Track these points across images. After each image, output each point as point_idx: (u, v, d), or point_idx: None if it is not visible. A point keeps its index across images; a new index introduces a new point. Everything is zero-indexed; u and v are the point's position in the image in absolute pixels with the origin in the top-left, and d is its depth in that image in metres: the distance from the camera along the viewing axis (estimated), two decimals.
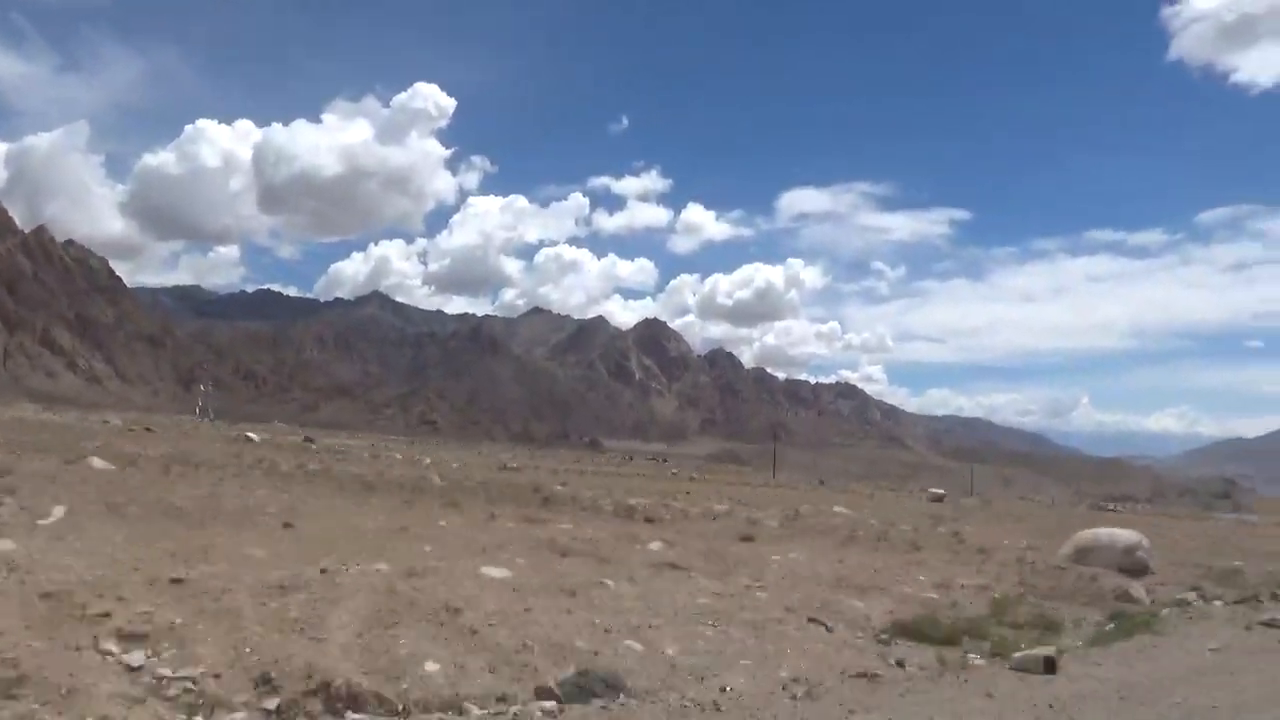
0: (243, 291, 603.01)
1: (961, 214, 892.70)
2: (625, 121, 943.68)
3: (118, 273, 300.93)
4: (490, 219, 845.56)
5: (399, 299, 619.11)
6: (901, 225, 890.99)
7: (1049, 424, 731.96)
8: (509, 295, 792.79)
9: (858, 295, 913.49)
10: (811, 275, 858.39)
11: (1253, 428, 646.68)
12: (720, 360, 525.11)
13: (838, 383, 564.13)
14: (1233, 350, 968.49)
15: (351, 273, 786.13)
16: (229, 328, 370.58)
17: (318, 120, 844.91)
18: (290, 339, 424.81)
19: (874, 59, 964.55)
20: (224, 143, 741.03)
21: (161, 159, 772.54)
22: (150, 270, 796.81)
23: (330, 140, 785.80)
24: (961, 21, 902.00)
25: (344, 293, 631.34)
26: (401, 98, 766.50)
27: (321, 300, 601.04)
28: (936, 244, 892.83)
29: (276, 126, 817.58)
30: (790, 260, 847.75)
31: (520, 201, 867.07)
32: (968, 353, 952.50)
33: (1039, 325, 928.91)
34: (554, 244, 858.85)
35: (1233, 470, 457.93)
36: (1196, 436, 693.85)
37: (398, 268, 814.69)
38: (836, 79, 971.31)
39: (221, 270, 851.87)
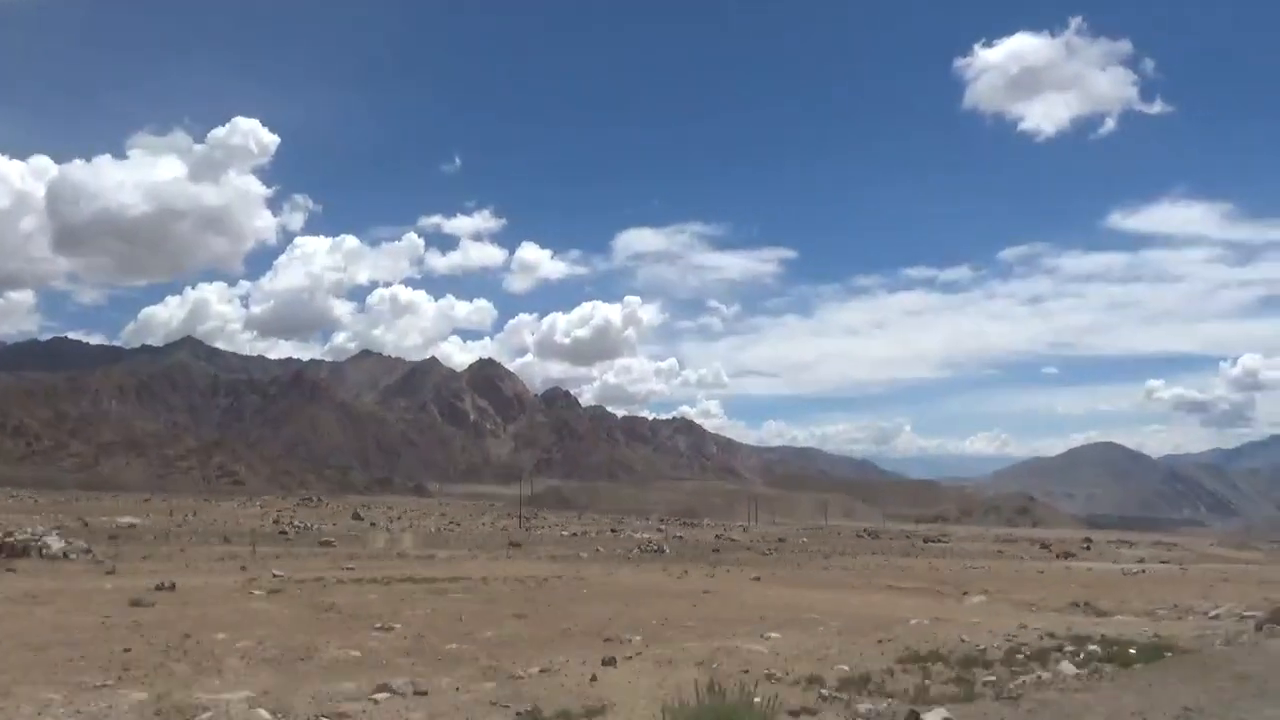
0: (35, 340, 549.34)
1: (789, 253, 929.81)
2: (458, 161, 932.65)
3: None
4: (318, 260, 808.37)
5: (218, 344, 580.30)
6: (733, 264, 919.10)
7: (876, 450, 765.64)
8: (340, 338, 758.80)
9: (694, 332, 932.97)
10: (649, 313, 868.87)
11: (1053, 447, 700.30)
12: (557, 399, 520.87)
13: (675, 419, 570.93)
14: (1033, 377, 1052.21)
15: (165, 318, 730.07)
16: (8, 379, 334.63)
17: (124, 156, 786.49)
18: (86, 389, 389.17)
19: (703, 104, 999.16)
20: (15, 180, 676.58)
21: None
22: None
23: (137, 177, 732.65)
24: (785, 68, 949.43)
25: (156, 339, 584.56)
26: (219, 133, 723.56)
27: (126, 347, 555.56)
28: (767, 282, 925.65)
29: (78, 163, 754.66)
30: (628, 298, 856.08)
31: (350, 241, 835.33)
32: (800, 385, 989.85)
33: (863, 358, 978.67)
34: (388, 285, 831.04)
35: (1036, 487, 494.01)
36: (1006, 457, 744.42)
37: (217, 311, 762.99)
38: (667, 123, 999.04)
39: (13, 318, 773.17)
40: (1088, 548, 55.38)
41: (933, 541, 55.79)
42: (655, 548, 45.26)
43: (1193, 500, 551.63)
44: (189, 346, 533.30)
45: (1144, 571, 33.76)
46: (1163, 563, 43.71)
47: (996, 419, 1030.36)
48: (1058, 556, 47.27)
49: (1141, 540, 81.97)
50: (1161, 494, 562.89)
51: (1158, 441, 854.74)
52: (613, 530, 60.58)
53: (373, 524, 67.12)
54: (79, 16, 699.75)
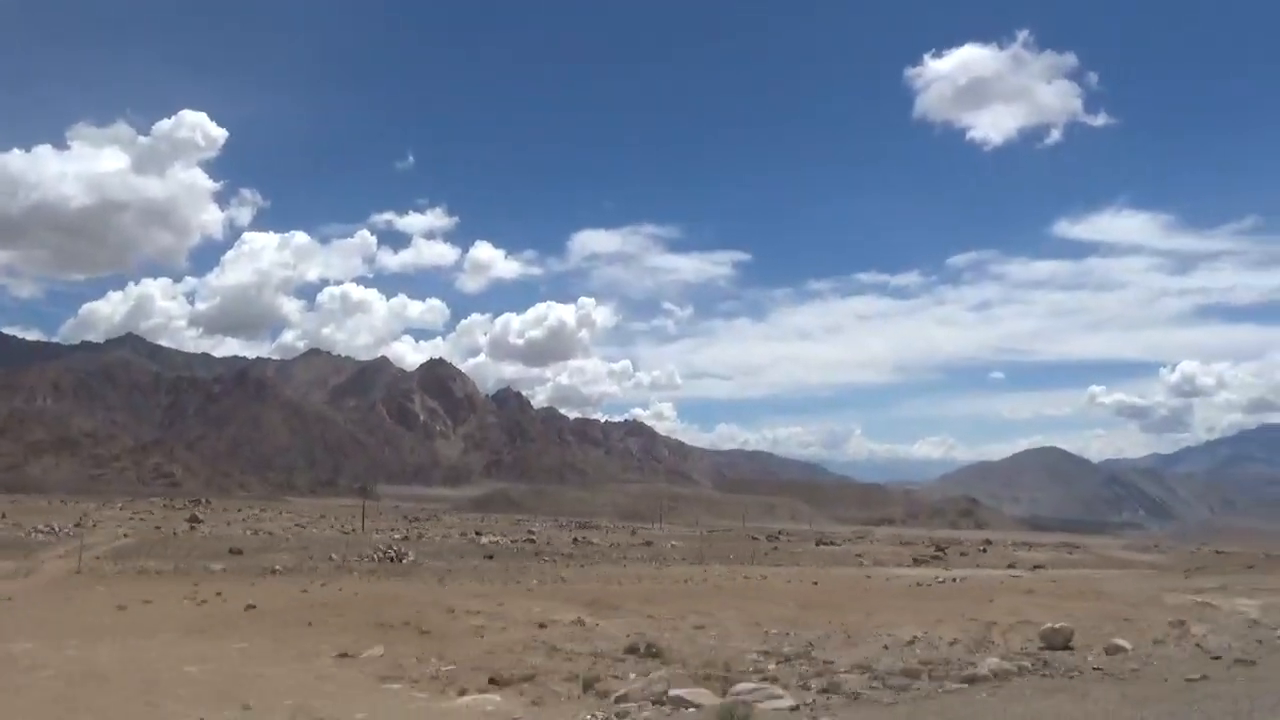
0: None
1: (743, 256, 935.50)
2: (410, 158, 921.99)
3: None
4: (267, 256, 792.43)
5: (162, 341, 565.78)
6: (687, 266, 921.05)
7: (827, 454, 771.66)
8: (289, 337, 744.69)
9: (648, 334, 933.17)
10: (603, 315, 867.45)
11: (999, 452, 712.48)
12: (509, 401, 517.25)
13: (627, 421, 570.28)
14: (980, 382, 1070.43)
15: (107, 313, 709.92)
16: None
17: (65, 146, 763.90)
18: (19, 387, 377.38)
19: (658, 107, 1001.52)
20: None
21: None
22: None
23: (78, 168, 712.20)
24: (741, 72, 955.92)
25: (96, 335, 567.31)
26: (165, 125, 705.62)
27: (65, 344, 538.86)
28: (721, 285, 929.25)
29: (16, 152, 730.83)
30: (582, 299, 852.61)
31: (300, 238, 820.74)
32: (752, 389, 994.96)
33: (815, 361, 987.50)
34: (338, 283, 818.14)
35: (982, 490, 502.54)
36: (953, 461, 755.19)
37: (161, 307, 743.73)
38: (622, 124, 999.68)
39: None
40: (984, 550, 55.32)
41: (826, 544, 54.92)
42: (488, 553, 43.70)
43: (1132, 503, 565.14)
44: (130, 343, 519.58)
45: (953, 581, 32.65)
46: (1036, 567, 43.20)
47: (945, 423, 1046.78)
48: (916, 562, 46.13)
49: (1051, 542, 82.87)
50: (1102, 497, 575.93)
51: (1099, 446, 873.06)
52: (530, 537, 57.69)
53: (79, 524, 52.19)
54: (16, 2, 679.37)
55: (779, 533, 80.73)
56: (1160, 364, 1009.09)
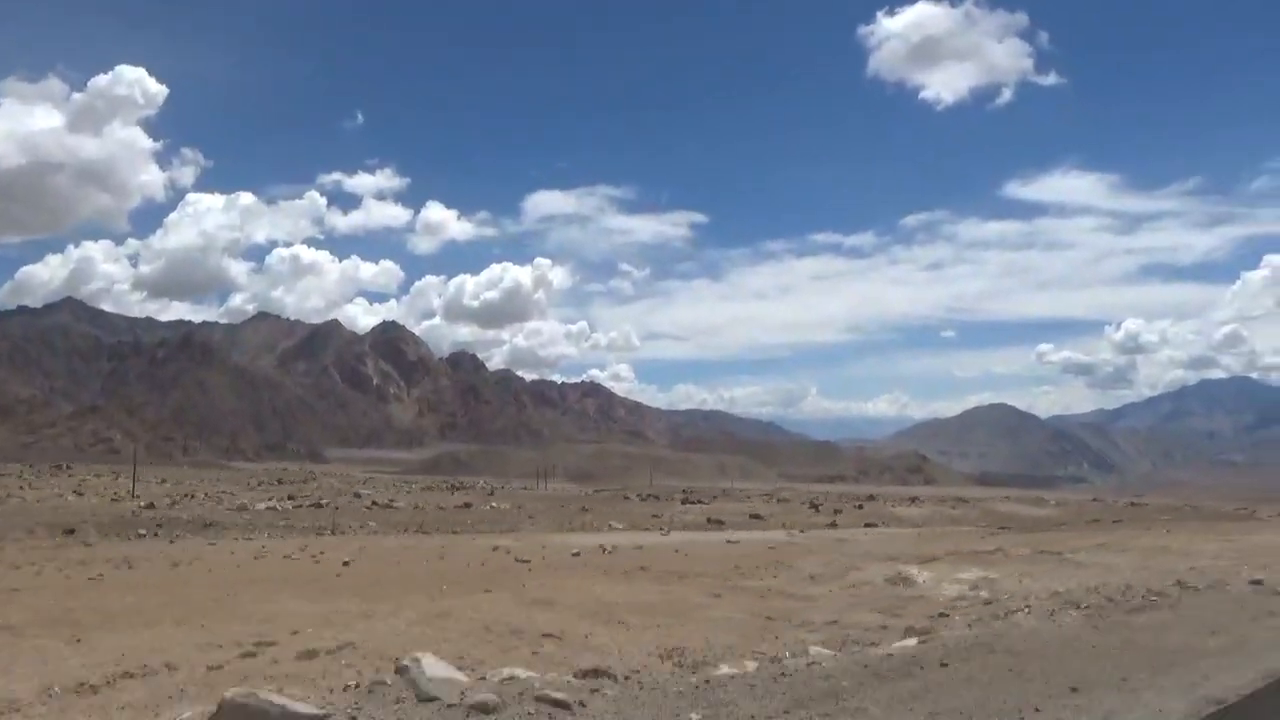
0: None
1: (699, 217, 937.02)
2: (359, 117, 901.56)
3: None
4: (212, 218, 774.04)
5: (104, 306, 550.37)
6: (644, 227, 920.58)
7: (783, 413, 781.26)
8: (238, 300, 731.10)
9: (605, 296, 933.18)
10: (559, 276, 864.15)
11: (950, 409, 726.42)
12: (463, 363, 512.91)
13: (583, 382, 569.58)
14: (931, 341, 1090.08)
15: (45, 277, 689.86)
16: None
17: None
18: None
19: (611, 68, 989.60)
20: None
21: None
22: None
23: (8, 126, 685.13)
24: (694, 31, 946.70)
25: (34, 300, 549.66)
26: (100, 81, 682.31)
27: None
28: (677, 245, 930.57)
29: None
30: (538, 260, 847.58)
31: (246, 199, 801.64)
32: (709, 349, 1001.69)
33: (771, 322, 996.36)
34: (288, 245, 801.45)
35: (932, 447, 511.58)
36: (907, 419, 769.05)
37: (104, 271, 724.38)
38: (575, 84, 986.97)
39: None
40: (861, 507, 54.29)
41: (693, 503, 52.49)
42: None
43: (1077, 458, 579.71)
44: (70, 308, 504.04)
45: (675, 551, 23.88)
46: (868, 525, 39.80)
47: (898, 382, 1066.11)
48: (710, 522, 39.70)
49: (949, 496, 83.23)
50: (1049, 452, 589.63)
51: (1047, 402, 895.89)
52: (319, 501, 45.03)
53: None
54: None
55: (688, 490, 79.50)
56: (1106, 322, 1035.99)
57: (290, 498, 48.19)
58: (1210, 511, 54.55)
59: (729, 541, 27.29)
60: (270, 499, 45.27)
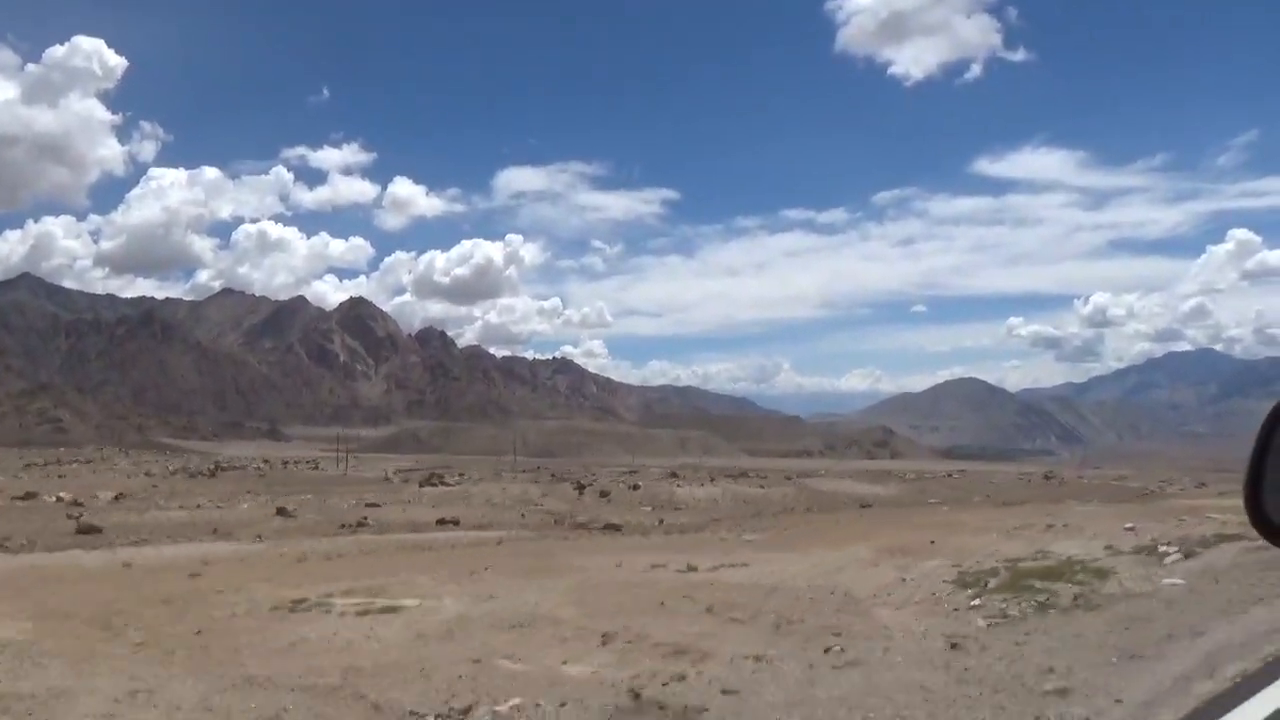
0: None
1: (671, 194, 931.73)
2: (325, 91, 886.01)
3: None
4: (175, 193, 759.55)
5: (64, 282, 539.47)
6: (616, 204, 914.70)
7: (756, 389, 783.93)
8: (203, 276, 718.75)
9: (577, 272, 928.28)
10: (531, 252, 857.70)
11: (921, 383, 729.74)
12: (432, 339, 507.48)
13: (555, 359, 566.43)
14: (903, 316, 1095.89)
15: (4, 253, 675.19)
16: None
17: None
18: None
19: (582, 43, 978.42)
20: None
21: None
22: None
23: None
24: (665, 7, 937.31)
25: None
26: (57, 52, 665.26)
27: None
28: (650, 222, 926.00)
29: None
30: (510, 236, 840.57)
31: (210, 174, 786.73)
32: (682, 325, 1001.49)
33: (744, 298, 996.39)
34: (254, 221, 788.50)
35: (903, 421, 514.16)
36: (878, 393, 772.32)
37: (63, 246, 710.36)
38: (545, 60, 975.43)
39: None
40: (636, 488, 46.30)
41: (637, 488, 47.21)
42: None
43: (1045, 431, 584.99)
44: (27, 284, 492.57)
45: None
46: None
47: (870, 356, 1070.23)
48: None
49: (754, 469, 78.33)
50: (1018, 425, 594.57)
51: (1016, 376, 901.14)
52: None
53: None
54: None
55: (631, 471, 76.31)
56: (1074, 296, 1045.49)
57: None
58: (1118, 490, 50.38)
59: None
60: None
